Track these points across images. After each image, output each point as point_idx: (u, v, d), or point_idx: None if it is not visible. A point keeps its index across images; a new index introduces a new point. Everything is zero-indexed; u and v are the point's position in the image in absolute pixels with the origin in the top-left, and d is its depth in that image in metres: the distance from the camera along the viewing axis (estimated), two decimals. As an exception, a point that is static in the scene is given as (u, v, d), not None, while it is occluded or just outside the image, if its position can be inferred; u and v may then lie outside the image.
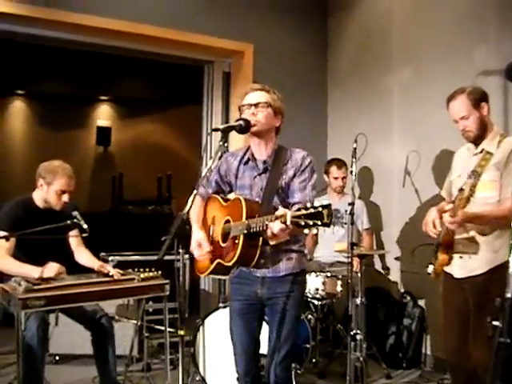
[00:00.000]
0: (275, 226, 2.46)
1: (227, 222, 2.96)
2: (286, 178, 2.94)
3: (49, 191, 3.86)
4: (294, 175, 2.93)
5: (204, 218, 3.19)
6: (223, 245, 2.94)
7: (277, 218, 2.44)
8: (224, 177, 3.16)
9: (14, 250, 3.75)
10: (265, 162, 2.99)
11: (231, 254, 2.82)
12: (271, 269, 2.95)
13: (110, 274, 3.82)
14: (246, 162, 3.05)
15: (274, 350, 2.98)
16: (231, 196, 3.16)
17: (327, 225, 2.29)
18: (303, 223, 2.30)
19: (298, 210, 2.33)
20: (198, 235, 3.05)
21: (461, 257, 3.27)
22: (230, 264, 2.84)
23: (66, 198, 3.89)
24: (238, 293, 3.09)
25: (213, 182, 3.19)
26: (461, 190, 3.15)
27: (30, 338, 3.54)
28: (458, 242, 3.26)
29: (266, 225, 2.55)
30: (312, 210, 2.28)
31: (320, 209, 2.27)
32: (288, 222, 2.35)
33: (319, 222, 2.27)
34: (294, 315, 2.99)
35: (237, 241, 2.79)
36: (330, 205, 2.29)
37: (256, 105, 2.93)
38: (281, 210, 2.44)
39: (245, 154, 3.08)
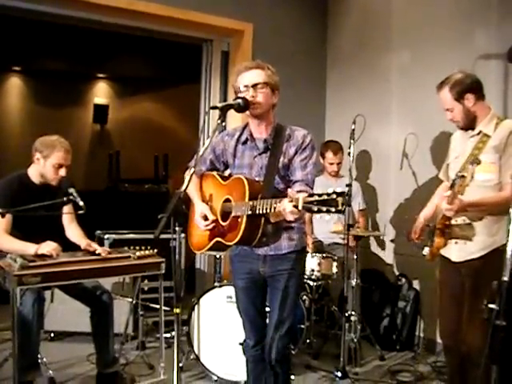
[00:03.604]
0: (286, 206, 2.44)
1: (227, 200, 2.95)
2: (287, 156, 2.93)
3: (46, 165, 3.84)
4: (295, 153, 2.92)
5: (203, 197, 3.18)
6: (223, 223, 2.94)
7: (288, 199, 2.43)
8: (220, 156, 3.15)
9: (11, 228, 3.74)
10: (265, 141, 2.98)
11: (233, 234, 2.83)
12: (273, 247, 2.97)
13: (97, 252, 3.83)
14: (245, 142, 3.04)
15: (275, 327, 3.01)
16: (227, 173, 3.16)
17: (341, 212, 2.28)
18: (316, 209, 2.29)
19: (311, 195, 2.32)
20: (201, 207, 3.06)
21: (456, 242, 3.28)
22: (231, 243, 2.85)
23: (62, 172, 3.87)
24: (241, 271, 3.11)
25: (207, 160, 3.18)
26: (462, 176, 3.12)
27: (25, 313, 3.55)
28: (455, 227, 3.27)
29: (274, 207, 2.54)
30: (325, 197, 2.27)
31: (334, 196, 2.25)
32: (300, 207, 2.34)
33: (333, 209, 2.25)
34: (295, 293, 3.04)
35: (239, 220, 2.79)
36: (344, 192, 2.27)
37: (254, 86, 2.89)
38: (292, 193, 2.43)
39: (242, 134, 3.07)
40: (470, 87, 3.25)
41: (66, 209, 4.03)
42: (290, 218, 2.50)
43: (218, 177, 3.13)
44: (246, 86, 2.90)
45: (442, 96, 3.31)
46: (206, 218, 3.01)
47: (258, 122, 2.98)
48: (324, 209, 2.27)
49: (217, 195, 3.08)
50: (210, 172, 3.20)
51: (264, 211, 2.62)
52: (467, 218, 3.21)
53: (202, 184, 3.22)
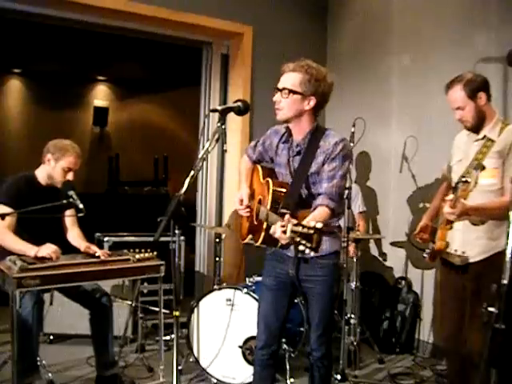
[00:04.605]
0: (277, 233, 2.46)
1: (260, 201, 2.99)
2: (316, 163, 2.89)
3: (56, 167, 3.88)
4: (324, 162, 2.87)
5: (250, 187, 3.20)
6: (255, 222, 2.97)
7: (280, 224, 2.43)
8: (268, 150, 3.16)
9: (15, 226, 3.76)
10: (298, 145, 2.97)
11: (258, 235, 2.85)
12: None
13: (97, 254, 3.83)
14: (285, 141, 3.04)
15: (312, 330, 3.04)
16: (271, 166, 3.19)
17: (314, 250, 2.30)
18: (298, 240, 2.31)
19: (297, 224, 2.33)
20: (242, 190, 3.09)
21: (459, 256, 3.28)
22: (257, 244, 2.87)
23: (70, 176, 3.91)
24: (272, 270, 3.11)
25: (257, 152, 3.22)
26: (466, 181, 3.09)
27: (25, 315, 3.55)
28: (451, 256, 3.29)
29: (272, 223, 2.56)
30: (305, 230, 2.29)
31: (311, 231, 2.28)
32: (288, 234, 2.35)
33: (308, 245, 2.29)
34: (326, 299, 3.00)
35: (262, 224, 2.80)
36: (320, 229, 2.30)
37: (281, 90, 2.89)
38: (285, 219, 2.42)
39: (285, 132, 3.06)
40: (482, 86, 3.24)
41: (69, 212, 4.04)
42: (282, 241, 2.51)
43: (260, 173, 3.15)
44: (277, 89, 2.91)
45: (454, 94, 3.26)
46: (242, 202, 3.03)
47: (291, 125, 2.98)
48: (303, 242, 2.30)
49: (257, 192, 3.11)
50: (258, 165, 3.21)
51: (270, 224, 2.63)
52: (469, 222, 3.20)
53: (253, 175, 3.25)
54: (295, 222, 2.36)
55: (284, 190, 2.87)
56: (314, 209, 2.80)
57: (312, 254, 2.33)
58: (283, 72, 2.95)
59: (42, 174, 3.95)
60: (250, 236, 3.04)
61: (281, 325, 3.13)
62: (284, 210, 2.60)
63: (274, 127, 3.18)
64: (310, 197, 2.91)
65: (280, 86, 2.90)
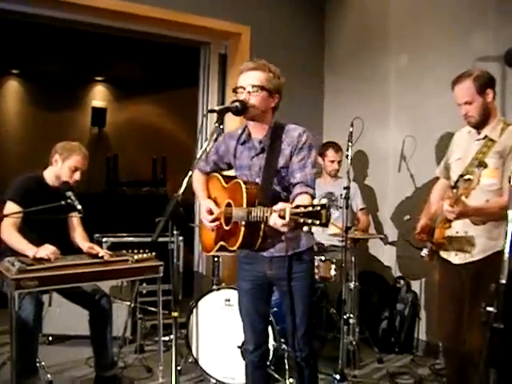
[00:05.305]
0: (276, 221, 2.44)
1: (229, 204, 2.94)
2: (283, 157, 2.88)
3: (63, 166, 3.93)
4: (292, 154, 2.87)
5: (209, 197, 3.17)
6: (226, 228, 2.94)
7: (275, 212, 2.43)
8: (223, 157, 3.14)
9: (21, 225, 3.78)
10: (261, 142, 2.95)
11: (234, 239, 2.82)
12: (278, 248, 2.94)
13: (100, 255, 3.85)
14: (244, 142, 3.02)
15: (293, 330, 3.01)
16: (230, 172, 3.16)
17: (325, 225, 2.26)
18: (302, 221, 2.28)
19: (297, 207, 2.31)
20: (206, 202, 3.08)
21: (456, 254, 3.29)
22: (233, 248, 2.86)
23: (77, 175, 3.96)
24: (247, 273, 3.10)
25: (211, 161, 3.19)
26: (468, 179, 3.07)
27: (25, 317, 3.55)
28: (455, 240, 3.27)
29: (266, 217, 2.53)
30: (310, 209, 2.26)
31: (318, 208, 2.25)
32: (287, 218, 2.33)
33: (317, 222, 2.25)
34: (306, 295, 3.01)
35: (239, 226, 2.78)
36: (327, 204, 2.27)
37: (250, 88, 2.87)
38: (280, 205, 2.42)
39: (242, 134, 3.04)
40: (490, 82, 3.24)
41: (73, 214, 4.06)
42: (284, 230, 2.49)
43: (221, 179, 3.12)
44: (242, 88, 2.88)
45: (462, 88, 3.23)
46: (211, 213, 3.01)
47: (253, 123, 2.96)
48: (309, 221, 2.26)
49: (220, 199, 3.07)
50: (215, 173, 3.19)
51: (258, 219, 2.61)
52: (469, 221, 3.19)
53: (208, 185, 3.22)
54: (293, 205, 2.35)
55: (256, 189, 2.84)
56: (294, 199, 2.75)
57: (322, 230, 2.31)
58: (243, 71, 2.92)
59: (49, 176, 3.99)
60: (219, 245, 3.00)
61: (265, 325, 3.18)
62: (261, 207, 2.59)
63: (226, 132, 3.18)
64: (283, 191, 2.90)
65: (246, 83, 2.87)
